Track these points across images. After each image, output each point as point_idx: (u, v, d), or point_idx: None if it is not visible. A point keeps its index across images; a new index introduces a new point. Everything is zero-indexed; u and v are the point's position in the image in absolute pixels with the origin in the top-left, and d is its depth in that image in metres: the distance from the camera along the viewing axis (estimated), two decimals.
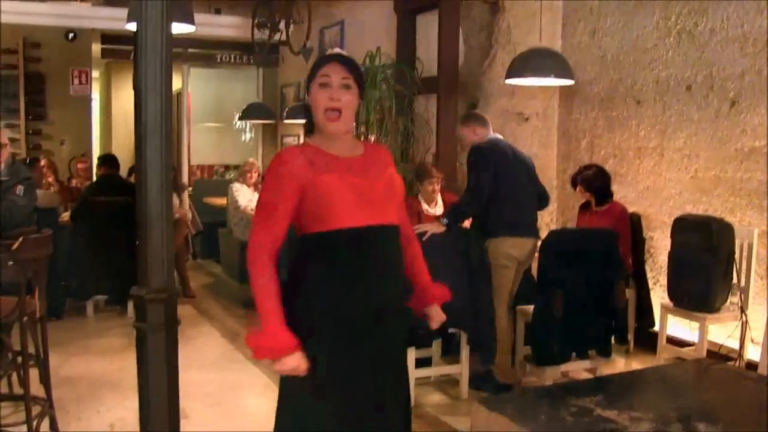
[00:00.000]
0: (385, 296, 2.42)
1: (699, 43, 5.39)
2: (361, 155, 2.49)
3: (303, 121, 8.65)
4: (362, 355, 2.38)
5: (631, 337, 5.44)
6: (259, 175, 8.44)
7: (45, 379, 4.03)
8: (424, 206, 5.60)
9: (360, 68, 2.52)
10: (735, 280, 4.87)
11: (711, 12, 5.29)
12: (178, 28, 5.09)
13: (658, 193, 5.75)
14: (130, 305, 5.96)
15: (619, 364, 5.27)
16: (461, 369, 4.65)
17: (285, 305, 2.35)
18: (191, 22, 5.25)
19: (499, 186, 4.56)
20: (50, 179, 7.66)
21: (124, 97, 11.91)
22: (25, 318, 3.78)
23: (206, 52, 10.62)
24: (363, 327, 2.37)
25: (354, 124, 2.56)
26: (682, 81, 5.52)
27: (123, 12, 5.31)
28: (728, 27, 5.17)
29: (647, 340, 5.43)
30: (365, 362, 2.39)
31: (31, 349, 3.89)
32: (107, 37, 10.35)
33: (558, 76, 5.43)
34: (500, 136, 4.91)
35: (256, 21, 9.21)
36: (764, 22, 4.93)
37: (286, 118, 8.66)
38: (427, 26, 7.06)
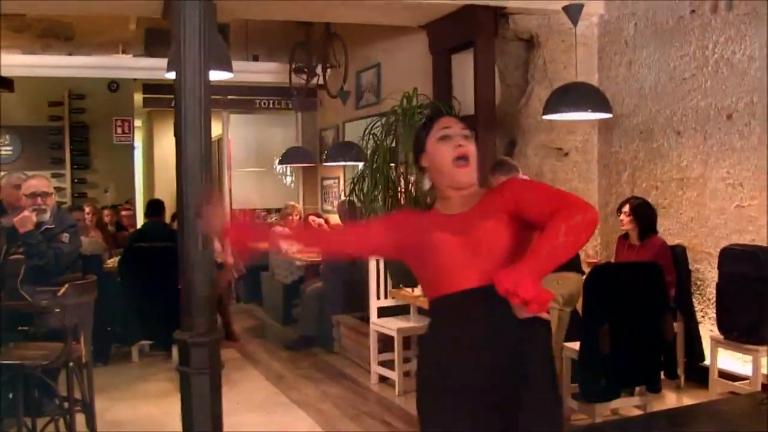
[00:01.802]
0: (487, 367, 2.18)
1: (738, 70, 5.33)
2: (473, 206, 2.32)
3: (343, 163, 8.67)
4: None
5: (681, 371, 5.32)
6: (300, 218, 8.49)
7: (91, 424, 4.07)
8: None
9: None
10: None
11: (749, 39, 5.23)
12: (217, 76, 5.18)
13: (702, 224, 5.65)
14: (175, 350, 5.99)
15: (670, 399, 5.15)
16: None
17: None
18: (230, 69, 5.34)
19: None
20: (92, 224, 7.78)
21: (166, 145, 12.13)
22: (72, 363, 3.83)
23: (245, 98, 10.77)
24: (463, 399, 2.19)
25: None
26: (723, 110, 5.46)
27: (163, 62, 5.42)
28: (767, 54, 5.11)
29: (698, 375, 5.29)
30: None
31: (78, 395, 3.92)
32: (148, 87, 10.57)
33: (596, 109, 5.41)
34: (526, 178, 4.83)
35: (293, 66, 9.35)
36: None
37: (326, 161, 8.73)
38: (463, 65, 7.09)
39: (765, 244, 4.96)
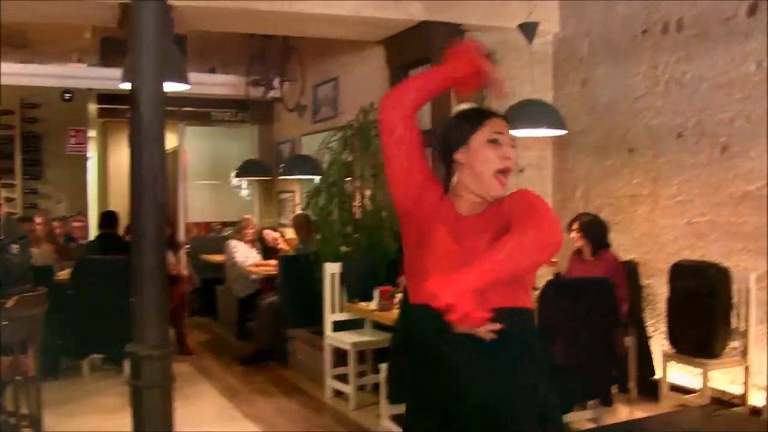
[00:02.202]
0: (464, 399, 2.05)
1: (688, 90, 5.45)
2: (478, 214, 2.16)
3: (300, 177, 8.59)
4: None
5: (633, 385, 5.39)
6: (255, 231, 8.44)
7: None
8: None
9: None
10: (734, 325, 4.85)
11: (698, 60, 5.36)
12: (174, 87, 5.14)
13: (654, 240, 5.75)
14: (127, 364, 5.91)
15: (623, 412, 5.21)
16: None
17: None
18: (186, 81, 5.30)
19: None
20: (43, 235, 7.64)
21: (121, 156, 11.98)
22: (19, 378, 3.75)
23: (201, 111, 10.71)
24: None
25: None
26: (673, 128, 5.58)
27: (118, 72, 5.37)
28: (716, 74, 5.24)
29: (650, 388, 5.37)
30: None
31: (25, 410, 3.84)
32: (103, 97, 10.45)
33: (550, 126, 5.47)
34: None
35: (250, 79, 9.32)
36: (750, 68, 5.00)
37: (282, 175, 8.70)
38: None
39: (714, 260, 5.07)
